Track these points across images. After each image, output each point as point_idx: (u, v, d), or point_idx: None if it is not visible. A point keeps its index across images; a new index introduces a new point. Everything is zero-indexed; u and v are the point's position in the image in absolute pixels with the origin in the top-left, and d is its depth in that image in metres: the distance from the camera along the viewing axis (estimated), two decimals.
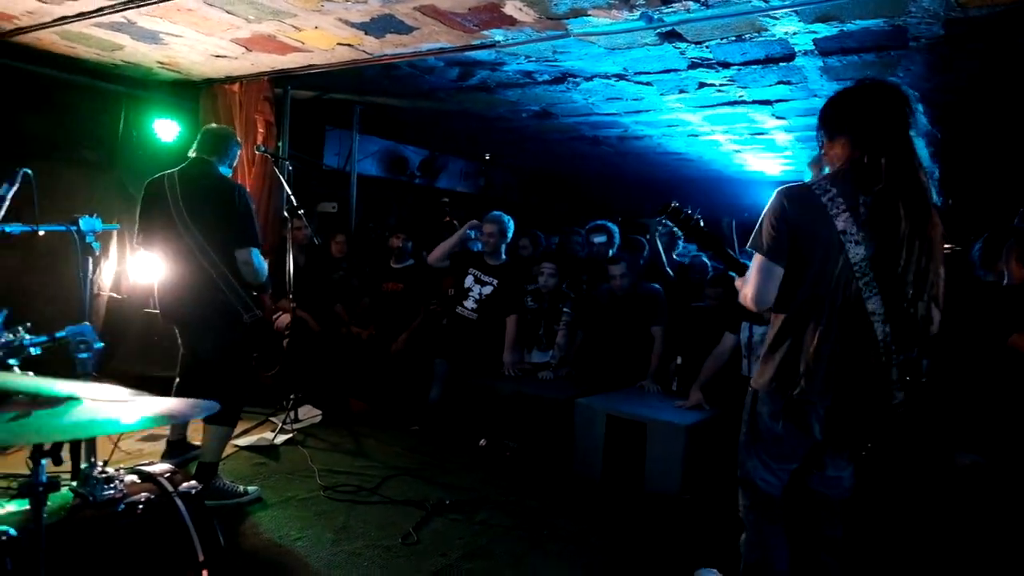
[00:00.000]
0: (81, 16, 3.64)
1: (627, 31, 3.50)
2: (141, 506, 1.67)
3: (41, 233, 1.80)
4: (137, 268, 4.86)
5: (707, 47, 3.76)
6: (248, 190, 3.51)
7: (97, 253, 1.98)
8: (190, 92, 5.08)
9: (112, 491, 1.67)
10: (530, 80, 4.66)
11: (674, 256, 5.33)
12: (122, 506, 1.64)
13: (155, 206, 3.15)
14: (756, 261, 1.98)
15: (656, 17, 3.29)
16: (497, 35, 3.67)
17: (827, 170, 2.03)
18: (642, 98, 4.99)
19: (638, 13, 3.25)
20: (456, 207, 8.35)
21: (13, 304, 1.75)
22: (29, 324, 1.67)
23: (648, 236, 4.93)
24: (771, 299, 1.96)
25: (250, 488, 3.29)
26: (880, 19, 3.21)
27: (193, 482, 1.79)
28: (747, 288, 2.00)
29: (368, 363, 5.08)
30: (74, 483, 1.69)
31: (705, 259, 5.22)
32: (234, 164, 3.42)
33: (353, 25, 3.61)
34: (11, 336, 1.60)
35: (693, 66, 4.13)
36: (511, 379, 4.45)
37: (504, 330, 4.60)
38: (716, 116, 5.46)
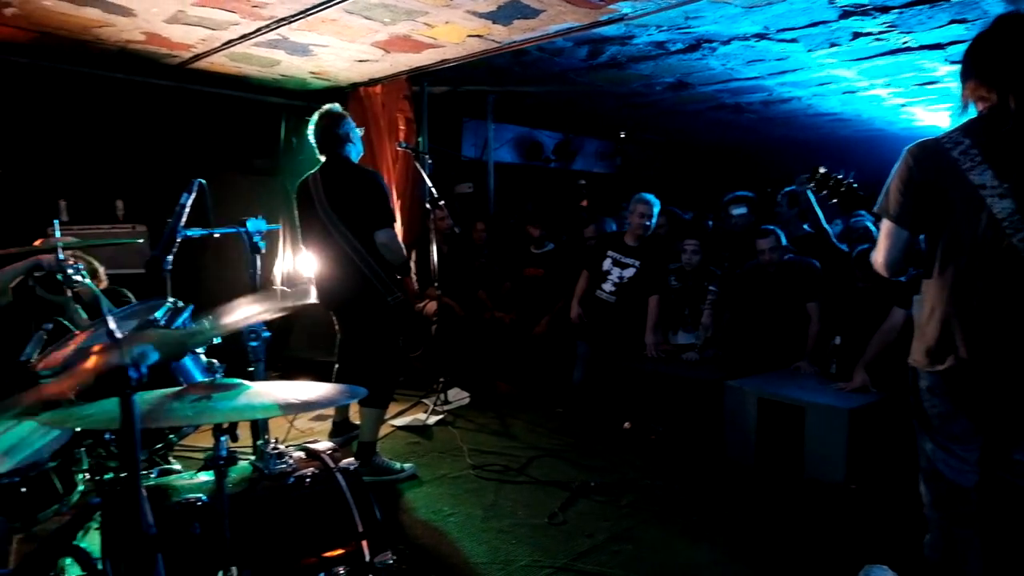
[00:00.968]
0: (243, 38, 4.03)
1: None
2: (308, 480, 1.83)
3: (216, 235, 2.02)
4: (302, 263, 5.32)
5: None
6: (387, 179, 3.66)
7: (263, 251, 2.18)
8: (339, 97, 5.44)
9: (283, 466, 1.85)
10: (662, 51, 4.48)
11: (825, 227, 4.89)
12: (291, 479, 1.81)
13: (305, 205, 3.41)
14: (884, 226, 1.87)
15: None
16: (625, 7, 3.55)
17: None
18: (787, 57, 4.61)
19: None
20: (593, 188, 8.27)
21: (196, 300, 1.99)
22: (211, 317, 1.88)
23: (799, 205, 4.56)
24: (900, 266, 1.87)
25: (406, 465, 3.50)
26: None
27: (352, 459, 1.93)
28: (877, 255, 1.92)
29: (512, 346, 5.20)
30: (252, 458, 1.89)
31: (869, 224, 4.74)
32: (355, 141, 3.44)
33: (481, 15, 3.66)
34: (196, 327, 1.82)
35: (845, 15, 3.74)
36: (655, 360, 4.35)
37: (644, 311, 4.50)
38: (875, 68, 4.92)
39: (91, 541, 1.67)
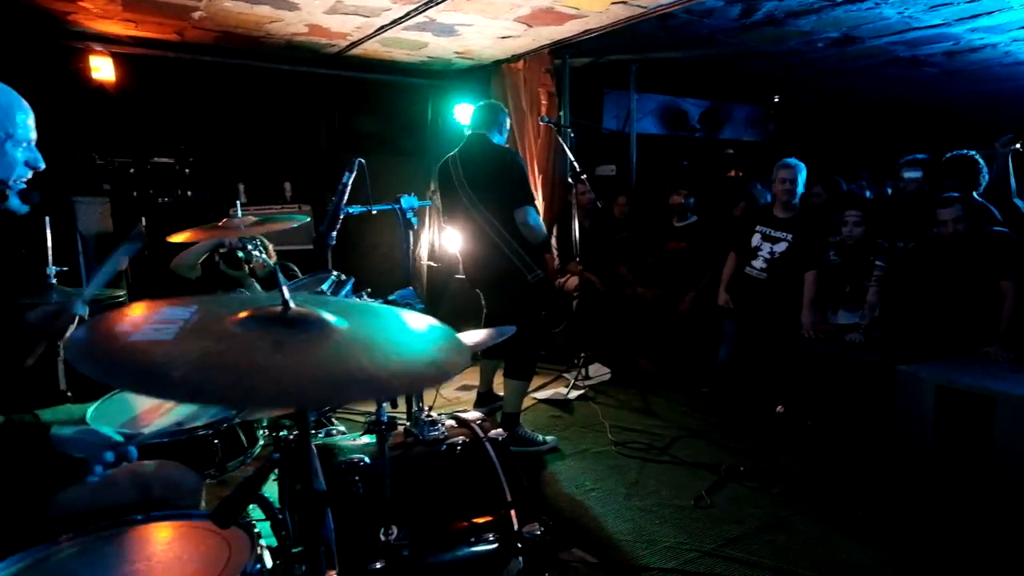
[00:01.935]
0: (394, 23, 4.19)
1: None
2: (459, 448, 1.90)
3: (374, 212, 2.14)
4: (446, 239, 5.52)
5: None
6: (526, 156, 3.70)
7: (416, 227, 2.27)
8: (481, 75, 5.54)
9: (436, 432, 1.93)
10: (827, 2, 4.08)
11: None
12: (444, 446, 1.89)
13: (446, 184, 3.51)
14: None
15: None
16: None
17: None
18: None
19: None
20: (742, 158, 7.79)
21: (356, 273, 2.12)
22: (369, 289, 2.00)
23: (960, 175, 3.97)
24: None
25: (548, 437, 3.54)
26: None
27: (500, 430, 1.98)
28: None
29: (654, 323, 5.08)
30: (407, 423, 1.99)
31: None
32: (505, 132, 3.59)
33: None
34: (357, 299, 1.93)
35: None
36: (812, 341, 4.04)
37: (798, 288, 4.18)
38: None
39: (270, 491, 1.86)
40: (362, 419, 3.62)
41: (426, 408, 1.99)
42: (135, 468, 1.60)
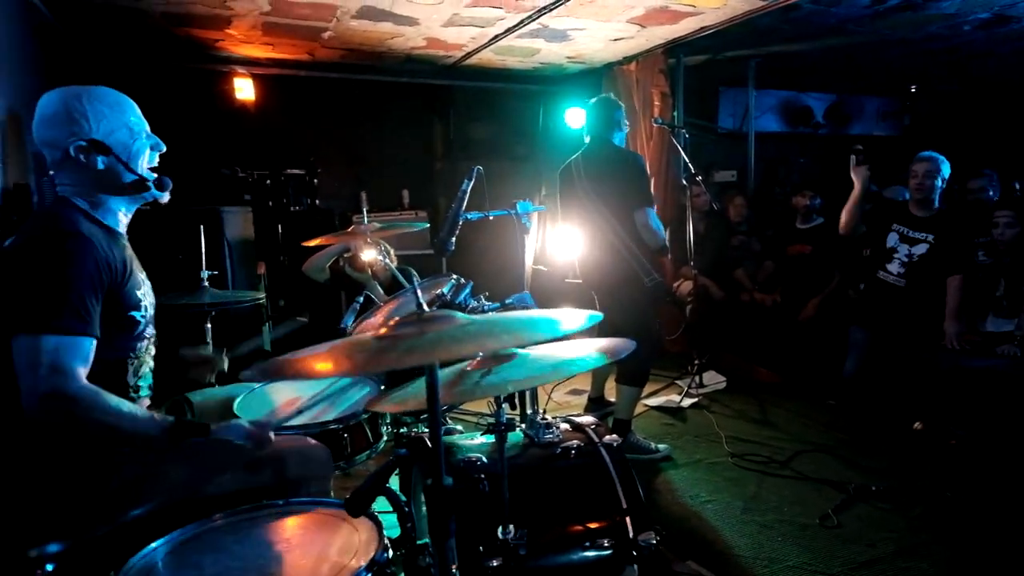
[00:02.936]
0: (508, 31, 4.28)
1: None
2: (573, 451, 1.90)
3: (491, 217, 2.19)
4: (555, 244, 5.54)
5: None
6: (644, 158, 3.63)
7: (529, 231, 2.30)
8: (592, 79, 5.53)
9: (551, 435, 1.94)
10: None
11: None
12: (558, 449, 1.90)
13: (568, 187, 3.52)
14: None
15: None
16: None
17: None
18: None
19: None
20: (872, 154, 7.26)
21: (467, 276, 2.18)
22: (487, 293, 2.05)
23: None
24: None
25: (660, 446, 3.47)
26: None
27: (615, 435, 1.96)
28: None
29: (773, 330, 4.84)
30: (523, 425, 2.02)
31: None
32: (625, 129, 3.51)
33: None
34: (475, 303, 1.99)
35: None
36: (956, 353, 3.69)
37: (939, 294, 3.83)
38: None
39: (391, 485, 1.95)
40: (472, 419, 3.71)
41: (540, 411, 2.01)
42: (275, 446, 1.75)
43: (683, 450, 3.54)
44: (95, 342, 1.48)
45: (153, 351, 1.76)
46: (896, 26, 4.56)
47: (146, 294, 1.69)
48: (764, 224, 5.54)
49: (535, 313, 1.33)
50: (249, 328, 4.08)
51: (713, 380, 4.63)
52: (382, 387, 2.27)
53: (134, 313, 1.62)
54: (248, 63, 5.03)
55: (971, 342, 3.74)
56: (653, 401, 4.29)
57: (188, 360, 2.11)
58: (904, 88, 7.03)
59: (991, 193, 4.32)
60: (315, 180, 5.31)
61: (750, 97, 5.74)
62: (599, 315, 1.18)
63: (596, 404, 3.93)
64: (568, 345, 1.50)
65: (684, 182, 4.48)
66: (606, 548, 1.74)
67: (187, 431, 1.54)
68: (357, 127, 5.83)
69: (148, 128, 1.70)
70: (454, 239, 2.01)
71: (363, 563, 1.30)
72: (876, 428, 3.75)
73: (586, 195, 3.37)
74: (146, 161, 1.68)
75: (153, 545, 1.39)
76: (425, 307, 1.06)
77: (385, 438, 2.27)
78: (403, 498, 1.45)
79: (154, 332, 1.75)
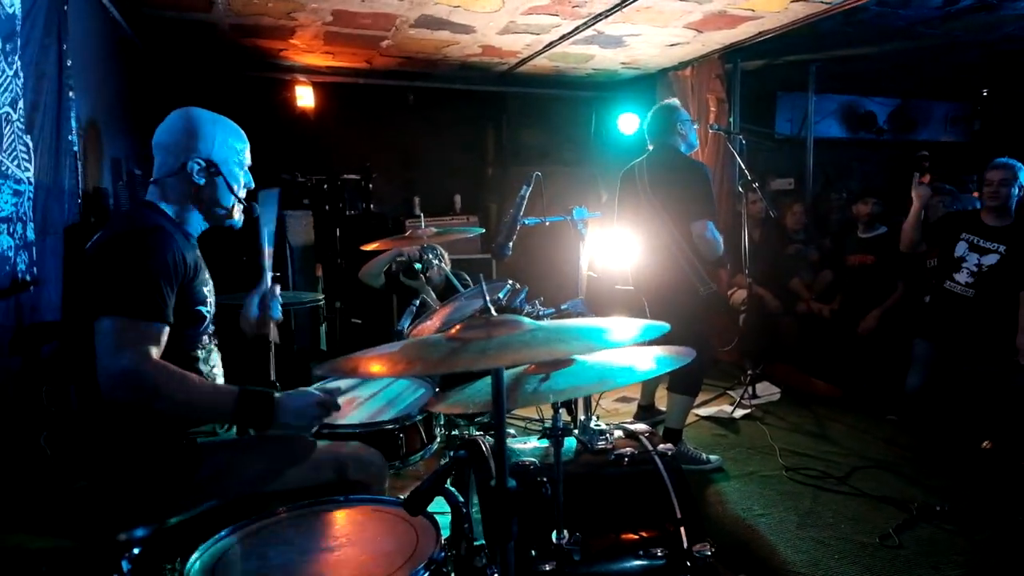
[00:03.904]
0: (563, 38, 4.30)
1: None
2: (626, 459, 1.89)
3: (547, 223, 2.21)
4: (608, 250, 5.51)
5: None
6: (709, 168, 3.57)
7: (585, 236, 2.31)
8: (645, 84, 5.49)
9: (604, 442, 1.94)
10: None
11: None
12: (612, 456, 1.90)
13: (629, 192, 3.50)
14: None
15: None
16: None
17: None
18: None
19: None
20: (939, 161, 6.98)
21: (520, 282, 2.20)
22: (542, 298, 2.06)
23: None
24: None
25: (712, 457, 3.41)
26: None
27: (668, 444, 1.94)
28: None
29: (831, 342, 4.70)
30: (576, 432, 2.02)
31: None
32: (691, 136, 3.47)
33: None
34: (531, 308, 2.00)
35: None
36: None
37: (1012, 307, 3.65)
38: None
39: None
40: (521, 423, 3.73)
41: (594, 417, 2.01)
42: (335, 450, 1.80)
43: (735, 462, 3.47)
44: (168, 329, 1.58)
45: (217, 350, 1.85)
46: (968, 28, 4.39)
47: (211, 291, 1.80)
48: (822, 232, 5.40)
49: (600, 321, 1.33)
50: (307, 328, 4.21)
51: (767, 391, 4.53)
52: (436, 389, 2.31)
53: (200, 308, 1.73)
54: (309, 71, 5.19)
55: None
56: (704, 411, 4.23)
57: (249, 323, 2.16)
58: (974, 92, 6.76)
59: None
60: (370, 185, 5.43)
61: (809, 102, 5.61)
62: (666, 326, 1.18)
63: (646, 412, 3.89)
64: (624, 352, 1.50)
65: (740, 189, 4.40)
66: (659, 557, 1.73)
67: (254, 399, 1.60)
68: (410, 132, 5.93)
69: (249, 164, 1.87)
70: (511, 244, 2.03)
71: (421, 561, 1.33)
72: (940, 446, 3.60)
73: (648, 200, 3.35)
74: (241, 189, 1.85)
75: (221, 534, 1.45)
76: (493, 311, 1.08)
77: (438, 440, 2.31)
78: (461, 499, 1.48)
79: (214, 329, 1.84)
